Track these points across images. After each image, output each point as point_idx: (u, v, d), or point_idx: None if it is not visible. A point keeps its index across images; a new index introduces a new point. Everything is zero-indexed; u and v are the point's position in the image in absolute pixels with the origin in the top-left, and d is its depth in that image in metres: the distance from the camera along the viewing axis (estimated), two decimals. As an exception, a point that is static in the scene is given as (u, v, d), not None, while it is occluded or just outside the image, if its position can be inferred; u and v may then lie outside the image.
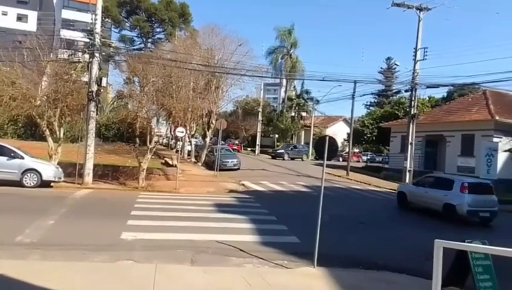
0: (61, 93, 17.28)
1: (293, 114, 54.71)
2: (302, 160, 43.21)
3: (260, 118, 50.45)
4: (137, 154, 18.28)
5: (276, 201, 16.82)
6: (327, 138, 8.16)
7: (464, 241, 5.50)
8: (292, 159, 42.70)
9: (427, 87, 25.42)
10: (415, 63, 24.41)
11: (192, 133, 32.95)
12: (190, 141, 34.16)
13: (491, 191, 14.91)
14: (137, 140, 18.39)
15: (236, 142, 56.40)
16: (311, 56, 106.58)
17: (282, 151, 44.44)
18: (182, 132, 20.87)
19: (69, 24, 43.63)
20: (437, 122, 29.48)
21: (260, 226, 10.92)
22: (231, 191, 18.79)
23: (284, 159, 41.69)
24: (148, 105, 17.97)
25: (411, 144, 24.70)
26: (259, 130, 50.35)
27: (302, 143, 56.32)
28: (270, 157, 43.81)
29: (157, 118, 19.91)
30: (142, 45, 51.77)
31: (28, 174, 15.13)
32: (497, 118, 24.47)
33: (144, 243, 8.48)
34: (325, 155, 7.99)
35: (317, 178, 23.39)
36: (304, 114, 54.40)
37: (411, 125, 24.72)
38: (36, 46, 17.92)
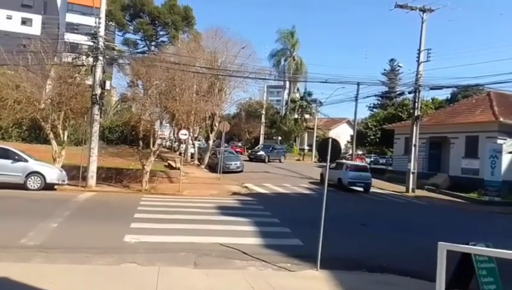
0: (65, 97, 17.39)
1: (296, 116, 54.65)
2: (280, 161, 39.71)
3: (263, 120, 50.43)
4: (141, 157, 18.33)
5: (279, 203, 16.78)
6: (330, 140, 8.15)
7: (468, 244, 5.46)
8: (270, 161, 38.62)
9: (431, 88, 25.37)
10: (418, 65, 24.37)
11: (196, 135, 33.01)
12: (193, 144, 34.22)
13: (366, 170, 23.26)
14: (141, 143, 18.44)
15: (240, 144, 56.38)
16: (314, 58, 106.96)
17: (263, 153, 39.41)
18: (185, 135, 20.95)
19: (73, 28, 43.72)
20: (441, 124, 29.36)
21: (263, 228, 10.90)
22: (234, 193, 18.80)
23: (265, 162, 37.09)
24: (152, 108, 18.06)
25: (415, 145, 24.63)
26: (262, 132, 50.35)
27: (306, 145, 56.32)
28: (247, 159, 37.19)
29: (160, 121, 19.97)
30: (146, 48, 51.83)
31: (32, 177, 15.19)
32: (501, 119, 24.34)
33: (147, 246, 8.48)
34: (328, 157, 7.98)
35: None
36: (307, 116, 54.33)
37: (415, 127, 24.66)
38: (40, 50, 18.00)
